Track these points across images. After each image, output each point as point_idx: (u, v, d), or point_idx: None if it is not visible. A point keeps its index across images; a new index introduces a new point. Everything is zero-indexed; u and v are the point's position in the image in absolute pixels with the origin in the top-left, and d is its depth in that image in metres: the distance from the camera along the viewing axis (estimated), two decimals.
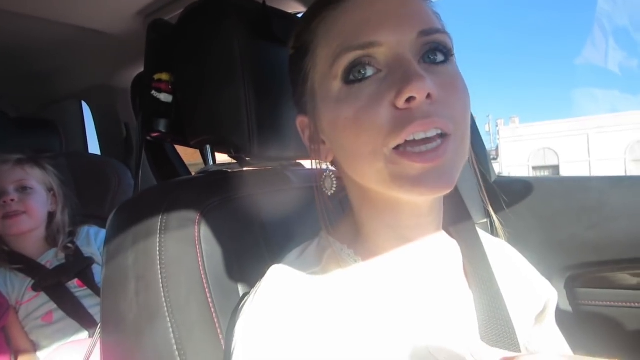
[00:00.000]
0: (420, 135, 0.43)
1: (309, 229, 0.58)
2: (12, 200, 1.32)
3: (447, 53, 0.47)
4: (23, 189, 1.35)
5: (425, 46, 0.46)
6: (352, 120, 0.45)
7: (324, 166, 0.54)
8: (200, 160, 0.83)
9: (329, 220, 0.53)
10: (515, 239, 0.67)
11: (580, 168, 23.80)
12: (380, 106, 0.43)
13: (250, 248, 0.64)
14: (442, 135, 0.43)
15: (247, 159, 0.79)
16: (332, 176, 0.53)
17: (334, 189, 0.53)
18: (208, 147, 0.77)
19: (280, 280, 0.50)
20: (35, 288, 1.31)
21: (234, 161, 0.79)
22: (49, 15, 1.23)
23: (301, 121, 0.55)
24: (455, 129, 0.44)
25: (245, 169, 0.77)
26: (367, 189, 0.50)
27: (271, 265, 0.52)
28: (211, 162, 0.78)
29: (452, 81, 0.46)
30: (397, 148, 0.43)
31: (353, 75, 0.45)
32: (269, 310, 0.47)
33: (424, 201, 0.50)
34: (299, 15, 0.93)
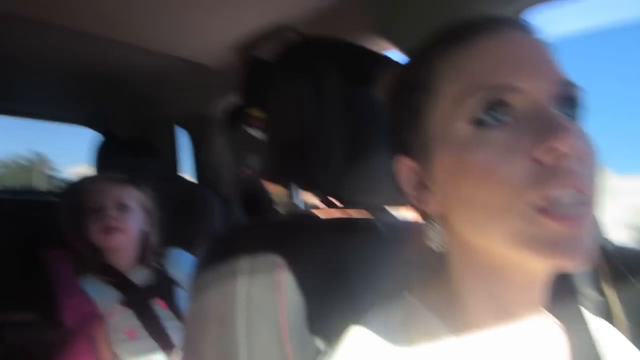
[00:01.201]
0: (564, 195, 0.38)
1: (395, 284, 0.54)
2: (111, 216, 1.40)
3: (578, 110, 0.43)
4: (121, 207, 1.44)
5: (559, 99, 0.42)
6: (481, 169, 0.40)
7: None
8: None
9: (417, 280, 0.49)
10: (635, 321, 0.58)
11: None
12: (517, 156, 0.39)
13: (332, 301, 0.61)
14: (580, 200, 0.38)
15: (335, 201, 0.77)
16: (440, 230, 0.48)
17: (442, 244, 0.48)
18: (295, 186, 0.77)
19: (360, 347, 0.46)
20: (123, 303, 1.37)
21: (321, 203, 0.78)
22: (157, 47, 1.33)
23: (403, 164, 0.50)
24: (592, 196, 0.39)
25: (332, 213, 0.75)
26: (480, 250, 0.44)
27: (352, 324, 0.49)
28: (299, 203, 0.77)
29: (587, 140, 0.41)
30: (536, 205, 0.38)
31: (486, 119, 0.41)
32: None
33: (543, 272, 0.44)
34: (389, 55, 0.92)
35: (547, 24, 0.49)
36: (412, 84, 0.48)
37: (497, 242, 0.41)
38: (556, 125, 0.38)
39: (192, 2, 1.02)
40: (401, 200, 0.72)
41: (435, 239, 0.48)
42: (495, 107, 0.40)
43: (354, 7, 0.95)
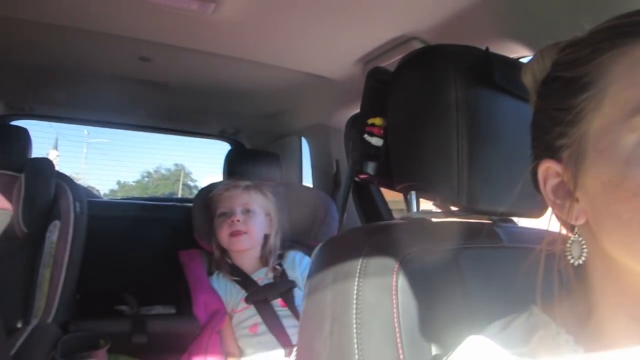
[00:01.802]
0: None
1: (517, 297, 0.51)
2: (238, 220, 1.52)
3: None
4: (247, 212, 1.55)
5: None
6: None
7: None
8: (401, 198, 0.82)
9: (547, 294, 0.45)
10: None
11: None
12: None
13: (447, 305, 0.60)
14: None
15: (453, 209, 0.75)
16: (583, 243, 0.44)
17: (583, 258, 0.43)
18: (413, 193, 0.77)
19: (477, 354, 0.44)
20: (247, 300, 1.48)
21: (439, 209, 0.77)
22: (281, 63, 1.43)
23: (547, 167, 0.45)
24: None
25: (450, 219, 0.74)
26: (625, 269, 0.40)
27: (468, 333, 0.47)
28: (415, 209, 0.77)
29: None
30: None
31: None
32: None
33: None
34: (523, 61, 0.87)
35: None
36: (574, 82, 0.43)
37: None
38: None
39: (322, 21, 1.08)
40: (525, 209, 0.68)
41: (575, 252, 0.44)
42: None
43: (481, 14, 0.93)
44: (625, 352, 0.41)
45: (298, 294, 1.52)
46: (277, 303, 1.50)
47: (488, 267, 0.64)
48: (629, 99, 0.38)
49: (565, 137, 0.43)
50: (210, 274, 1.57)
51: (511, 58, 0.74)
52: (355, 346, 0.55)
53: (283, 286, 1.52)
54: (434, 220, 0.73)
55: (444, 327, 0.57)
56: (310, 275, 0.67)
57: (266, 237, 1.60)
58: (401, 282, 0.59)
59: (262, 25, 1.14)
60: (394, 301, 0.57)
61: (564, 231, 0.47)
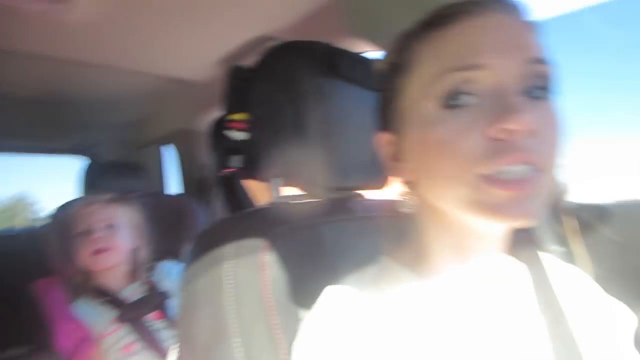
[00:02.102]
0: (509, 168, 0.42)
1: (371, 257, 0.59)
2: (100, 237, 1.43)
3: (550, 88, 0.46)
4: (111, 227, 1.46)
5: (529, 79, 0.45)
6: (443, 143, 0.44)
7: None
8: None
9: (392, 245, 0.54)
10: (597, 267, 0.64)
11: None
12: (474, 133, 0.43)
13: (314, 275, 0.66)
14: (531, 169, 0.43)
15: (313, 190, 0.82)
16: (412, 195, 0.54)
17: (413, 207, 0.54)
18: (276, 180, 0.81)
19: (334, 297, 0.51)
20: (118, 320, 1.39)
21: (302, 192, 0.83)
22: (137, 67, 1.38)
23: (384, 138, 0.55)
24: (546, 166, 0.43)
25: (310, 199, 0.80)
26: (441, 212, 0.50)
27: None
28: (278, 195, 0.82)
29: (551, 118, 0.45)
30: (483, 175, 0.43)
31: (452, 101, 0.45)
32: (323, 327, 0.48)
33: (489, 229, 0.50)
34: (366, 55, 0.97)
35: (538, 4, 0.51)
36: (394, 66, 0.52)
37: (451, 206, 0.47)
38: (511, 107, 0.42)
39: (180, 24, 1.07)
40: (370, 183, 0.78)
41: (408, 203, 0.54)
42: (462, 92, 0.44)
43: (330, 14, 1.02)
44: (450, 277, 0.52)
45: (173, 303, 1.47)
46: (152, 317, 1.44)
47: (346, 237, 0.72)
48: (427, 75, 0.47)
49: (392, 111, 0.53)
50: (71, 300, 1.44)
51: (355, 52, 0.83)
52: (232, 320, 0.58)
53: (156, 299, 1.46)
54: (297, 202, 0.78)
55: (313, 293, 0.62)
56: (184, 269, 0.68)
57: (134, 251, 1.53)
58: (270, 259, 0.63)
59: (117, 28, 1.10)
60: (265, 276, 0.61)
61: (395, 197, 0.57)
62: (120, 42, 1.19)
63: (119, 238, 1.47)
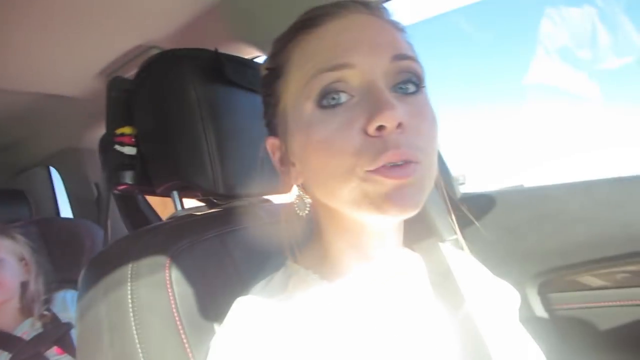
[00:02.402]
0: (392, 164, 0.43)
1: (280, 261, 0.59)
2: None
3: (418, 83, 0.48)
4: None
5: (397, 75, 0.47)
6: (323, 143, 0.45)
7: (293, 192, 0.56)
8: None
9: (295, 248, 0.54)
10: (485, 252, 0.70)
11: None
12: (352, 131, 0.44)
13: (223, 286, 0.65)
14: (410, 164, 0.44)
15: (215, 200, 0.80)
16: (304, 198, 0.53)
17: (307, 209, 0.53)
18: (175, 193, 0.79)
19: (244, 309, 0.51)
20: None
21: (203, 204, 0.81)
22: (11, 85, 1.26)
23: (271, 143, 0.55)
24: (423, 157, 0.45)
25: (213, 210, 0.79)
26: (335, 211, 0.50)
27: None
28: (179, 208, 0.79)
29: (422, 111, 0.47)
30: (370, 169, 0.44)
31: (326, 101, 0.46)
32: (233, 339, 0.48)
33: (388, 222, 0.52)
34: (256, 60, 0.98)
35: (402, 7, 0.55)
36: (273, 71, 0.53)
37: (341, 202, 0.48)
38: (382, 104, 0.43)
39: (55, 37, 0.99)
40: (274, 187, 0.78)
41: (301, 206, 0.54)
42: (334, 91, 0.45)
43: (212, 20, 1.00)
44: (354, 276, 0.53)
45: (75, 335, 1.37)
46: (54, 352, 1.32)
47: (252, 243, 0.71)
48: (301, 77, 0.48)
49: (276, 116, 0.54)
50: None
51: (240, 57, 0.83)
52: (138, 346, 0.55)
53: (56, 332, 1.34)
54: (199, 214, 0.77)
55: (223, 304, 0.61)
56: (79, 298, 0.63)
57: (24, 285, 1.39)
58: (175, 276, 0.61)
59: None
60: (170, 295, 0.59)
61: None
62: None
63: (4, 273, 1.33)
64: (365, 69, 0.45)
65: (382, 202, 0.44)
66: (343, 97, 0.46)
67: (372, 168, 0.43)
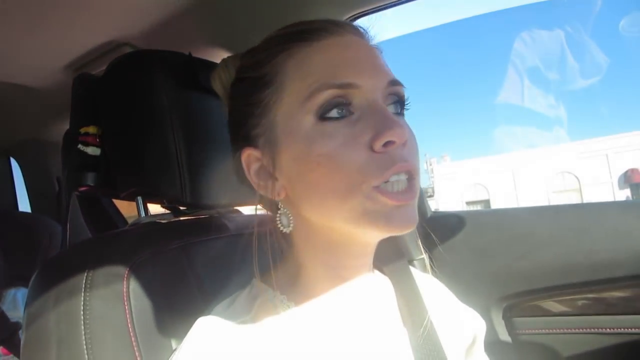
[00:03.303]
0: (399, 177, 0.45)
1: (246, 278, 0.56)
2: None
3: (404, 105, 0.51)
4: None
5: (390, 96, 0.49)
6: (327, 158, 0.45)
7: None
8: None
9: (264, 267, 0.52)
10: (452, 272, 0.69)
11: (509, 201, 25.19)
12: (357, 146, 0.45)
13: (184, 300, 0.62)
14: (409, 178, 0.46)
15: (182, 208, 0.77)
16: (288, 213, 0.52)
17: (291, 226, 0.52)
18: (139, 198, 0.76)
19: (205, 331, 0.48)
20: None
21: (168, 211, 0.78)
22: None
23: (248, 154, 0.52)
24: (416, 172, 0.47)
25: (179, 218, 0.76)
26: (318, 228, 0.50)
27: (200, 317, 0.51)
28: (143, 214, 0.76)
29: (410, 131, 0.49)
30: (376, 186, 0.45)
31: (330, 114, 0.46)
32: None
33: (372, 242, 0.52)
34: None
35: (378, 29, 0.57)
36: (258, 81, 0.50)
37: (340, 220, 0.47)
38: (390, 121, 0.45)
39: (19, 25, 0.94)
40: (247, 198, 0.76)
41: (284, 221, 0.52)
42: (339, 104, 0.46)
43: (187, 22, 0.97)
44: (323, 298, 0.52)
45: None
46: None
47: (217, 256, 0.69)
48: (301, 89, 0.47)
49: (258, 127, 0.51)
50: None
51: (213, 62, 0.80)
52: None
53: (3, 331, 1.28)
54: (163, 222, 0.73)
55: (182, 322, 0.58)
56: (28, 303, 0.59)
57: None
58: (133, 287, 0.58)
59: None
60: (126, 308, 0.56)
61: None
62: None
63: None
64: (368, 89, 0.47)
65: (384, 222, 0.45)
66: (346, 112, 0.46)
67: (378, 183, 0.44)
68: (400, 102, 0.50)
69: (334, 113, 0.46)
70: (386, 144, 0.44)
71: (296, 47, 0.49)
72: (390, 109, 0.49)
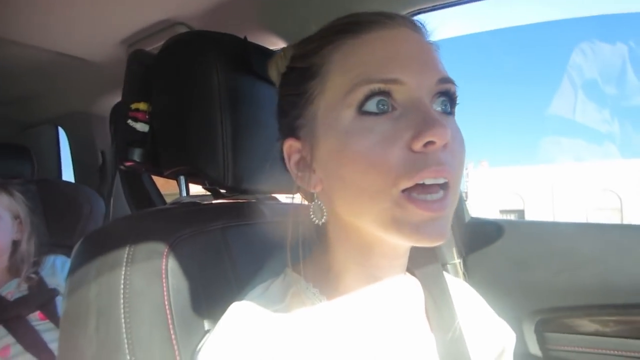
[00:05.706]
0: (430, 181, 0.43)
1: (280, 265, 0.57)
2: None
3: (455, 105, 0.48)
4: None
5: (439, 94, 0.47)
6: (362, 154, 0.44)
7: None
8: (176, 190, 0.81)
9: (297, 256, 0.51)
10: (485, 280, 0.67)
11: (544, 213, 24.42)
12: (395, 145, 0.43)
13: (218, 283, 0.63)
14: (444, 186, 0.44)
15: (222, 191, 0.78)
16: (323, 207, 0.51)
17: (324, 218, 0.51)
18: (182, 178, 0.77)
19: (240, 317, 0.48)
20: None
21: (208, 193, 0.79)
22: (29, 40, 1.23)
23: (290, 145, 0.52)
24: (455, 181, 0.45)
25: (218, 201, 0.76)
26: (352, 226, 0.49)
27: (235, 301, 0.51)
28: (184, 194, 0.77)
29: (457, 134, 0.47)
30: (404, 191, 0.43)
31: (370, 108, 0.44)
32: (226, 348, 0.46)
33: (403, 245, 0.50)
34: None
35: (436, 26, 0.54)
36: (304, 71, 0.50)
37: (367, 221, 0.46)
38: (433, 121, 0.42)
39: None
40: (286, 187, 0.76)
41: (317, 214, 0.51)
42: (381, 99, 0.44)
43: (244, 5, 0.97)
44: (354, 295, 0.51)
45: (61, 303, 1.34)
46: (36, 317, 1.30)
47: (253, 242, 0.69)
48: (344, 83, 0.46)
49: (301, 117, 0.51)
50: None
51: (267, 48, 0.80)
52: (124, 335, 0.53)
53: (41, 297, 1.32)
54: (203, 202, 0.74)
55: (216, 304, 0.58)
56: (70, 272, 0.60)
57: (15, 244, 1.37)
58: (171, 265, 0.58)
59: None
60: (164, 285, 0.57)
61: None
62: (12, 13, 1.05)
63: None
64: (413, 86, 0.45)
65: (411, 232, 0.43)
66: (388, 107, 0.44)
67: (408, 185, 0.42)
68: (451, 100, 0.48)
69: (374, 108, 0.44)
70: (426, 145, 0.42)
71: (343, 39, 0.48)
72: (438, 107, 0.46)
